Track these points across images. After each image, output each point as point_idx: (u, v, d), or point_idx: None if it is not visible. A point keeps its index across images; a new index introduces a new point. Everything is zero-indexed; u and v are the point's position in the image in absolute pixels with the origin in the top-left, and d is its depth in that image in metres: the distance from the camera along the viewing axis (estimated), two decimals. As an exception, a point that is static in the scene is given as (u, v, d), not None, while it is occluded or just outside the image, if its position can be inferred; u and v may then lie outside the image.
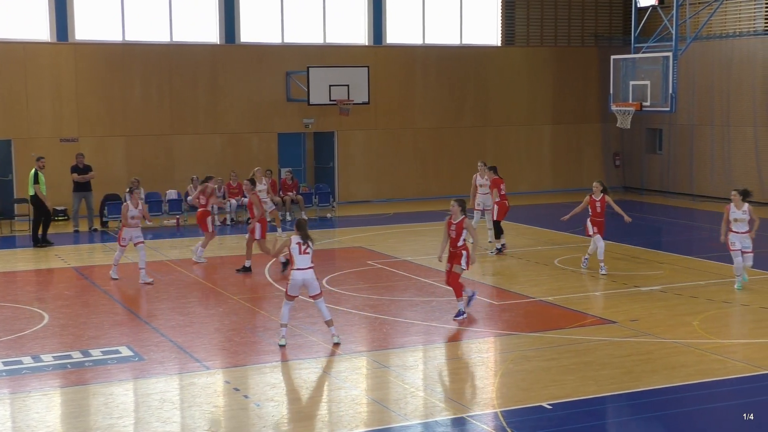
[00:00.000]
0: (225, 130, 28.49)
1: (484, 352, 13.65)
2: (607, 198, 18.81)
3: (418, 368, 12.78)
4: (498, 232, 20.68)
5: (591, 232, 18.64)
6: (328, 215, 27.23)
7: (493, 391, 11.51)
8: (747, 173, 29.16)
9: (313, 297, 13.58)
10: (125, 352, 13.25)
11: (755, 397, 11.58)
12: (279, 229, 23.11)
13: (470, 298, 15.22)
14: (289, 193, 26.64)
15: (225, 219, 25.84)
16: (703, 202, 29.93)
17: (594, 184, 19.07)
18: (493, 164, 21.85)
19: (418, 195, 30.84)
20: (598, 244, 18.49)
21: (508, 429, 10.21)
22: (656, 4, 25.95)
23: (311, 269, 13.41)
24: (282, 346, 13.41)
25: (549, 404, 10.95)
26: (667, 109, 25.18)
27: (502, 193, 20.77)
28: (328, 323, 13.66)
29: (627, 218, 18.90)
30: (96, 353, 13.18)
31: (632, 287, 17.27)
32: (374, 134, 30.43)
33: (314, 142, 30.49)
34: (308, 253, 13.39)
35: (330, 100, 27.50)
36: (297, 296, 13.59)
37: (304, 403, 11.24)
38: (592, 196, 18.76)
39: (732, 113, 29.64)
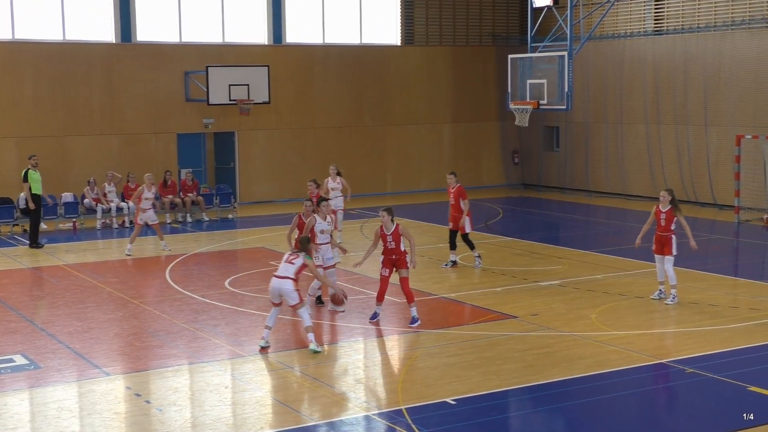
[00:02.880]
0: (122, 131, 27.97)
1: (388, 349, 13.71)
2: (677, 213, 15.85)
3: (323, 367, 12.75)
4: (470, 244, 19.37)
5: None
6: (230, 216, 26.98)
7: (398, 388, 11.57)
8: (639, 169, 29.96)
9: (293, 307, 13.31)
10: (20, 360, 12.87)
11: (651, 386, 11.91)
12: (162, 242, 21.53)
13: (375, 315, 14.77)
14: (190, 194, 26.30)
15: (123, 221, 25.32)
16: (599, 197, 30.63)
17: (661, 192, 16.21)
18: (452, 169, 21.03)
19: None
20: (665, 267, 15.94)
21: (413, 425, 10.27)
22: (551, 4, 26.41)
23: (288, 280, 13.11)
24: (262, 348, 13.22)
25: (453, 400, 11.06)
26: (563, 107, 25.65)
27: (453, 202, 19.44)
28: (306, 329, 13.23)
29: (693, 243, 16.10)
30: (-10, 362, 12.79)
31: (532, 282, 17.57)
32: (275, 134, 30.27)
33: (214, 142, 30.17)
34: (292, 263, 13.18)
35: (230, 100, 27.25)
36: (279, 303, 13.29)
37: (208, 407, 11.11)
38: (659, 206, 16.06)
39: (624, 111, 30.41)
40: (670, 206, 15.78)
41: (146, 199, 21.19)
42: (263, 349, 13.24)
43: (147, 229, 21.56)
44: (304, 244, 13.43)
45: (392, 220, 14.70)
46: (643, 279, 17.45)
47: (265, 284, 17.36)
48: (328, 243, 15.28)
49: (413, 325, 14.44)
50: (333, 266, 15.38)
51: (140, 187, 21.62)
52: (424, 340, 13.80)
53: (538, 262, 19.66)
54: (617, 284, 17.21)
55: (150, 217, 21.16)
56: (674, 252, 15.73)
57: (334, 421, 10.58)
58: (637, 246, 16.51)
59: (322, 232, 15.13)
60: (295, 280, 13.18)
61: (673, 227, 15.74)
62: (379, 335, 14.25)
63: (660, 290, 16.04)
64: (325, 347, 13.45)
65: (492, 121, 34.04)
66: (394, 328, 14.68)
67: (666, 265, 15.79)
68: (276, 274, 13.30)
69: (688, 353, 12.84)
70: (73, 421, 10.63)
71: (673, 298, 15.71)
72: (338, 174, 22.21)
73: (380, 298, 14.75)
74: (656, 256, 15.99)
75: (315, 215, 15.18)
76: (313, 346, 13.07)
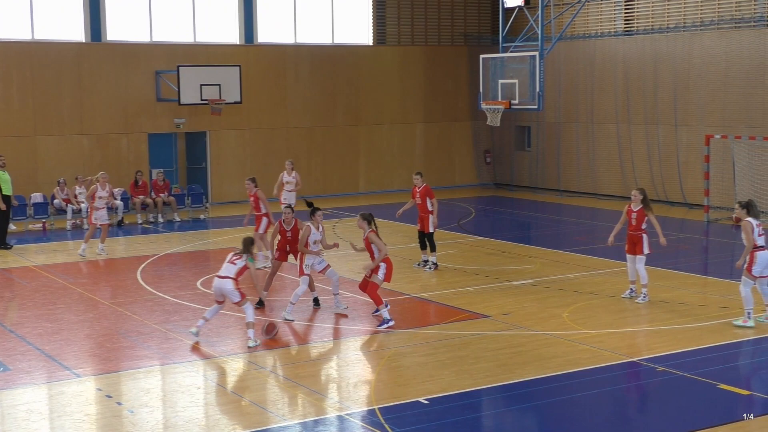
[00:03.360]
0: (92, 131, 27.76)
1: (360, 349, 13.71)
2: (648, 213, 15.86)
3: (296, 368, 12.73)
4: (432, 245, 19.14)
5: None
6: (202, 216, 26.85)
7: (371, 388, 11.57)
8: (610, 169, 30.14)
9: (236, 304, 13.61)
10: (-10, 361, 12.77)
11: (623, 384, 11.99)
12: (101, 245, 20.96)
13: (386, 321, 14.56)
14: (161, 195, 26.17)
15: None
16: (570, 197, 30.79)
17: (633, 192, 16.23)
18: (419, 170, 21.12)
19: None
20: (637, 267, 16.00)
21: (386, 425, 10.28)
22: (522, 4, 26.51)
23: (228, 279, 13.43)
24: (193, 333, 13.73)
25: (426, 399, 11.07)
26: (535, 107, 25.76)
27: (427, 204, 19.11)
28: (247, 324, 13.55)
29: (662, 240, 16.08)
30: (-41, 364, 12.66)
31: (504, 281, 17.63)
32: (247, 134, 30.18)
33: (186, 142, 30.03)
34: (234, 264, 13.49)
35: (201, 100, 27.13)
36: (222, 301, 13.65)
37: (180, 408, 11.06)
38: (630, 206, 16.05)
39: (596, 111, 30.59)
40: (641, 206, 15.87)
41: (100, 197, 20.75)
42: (196, 344, 13.48)
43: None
44: (247, 246, 13.63)
45: (369, 224, 14.84)
46: (614, 278, 17.56)
47: (242, 286, 17.30)
48: (318, 252, 15.29)
49: (382, 327, 14.42)
50: (327, 266, 15.44)
51: (93, 185, 21.08)
52: (397, 340, 13.81)
53: (510, 262, 19.73)
54: (589, 283, 17.31)
55: (102, 217, 20.77)
56: (645, 251, 15.81)
57: (307, 422, 10.57)
58: (609, 245, 16.59)
59: (315, 242, 15.15)
60: (236, 279, 13.49)
61: (644, 227, 15.83)
62: (353, 335, 14.24)
63: (631, 289, 16.14)
64: (294, 348, 13.43)
65: (464, 120, 34.12)
66: (366, 328, 14.68)
67: (637, 264, 15.89)
68: (218, 274, 13.60)
69: (659, 351, 12.93)
70: (43, 423, 10.55)
71: (644, 297, 15.81)
72: (293, 168, 23.08)
73: (375, 303, 14.80)
74: (628, 255, 16.10)
75: (310, 225, 15.15)
76: (251, 342, 13.38)
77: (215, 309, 13.83)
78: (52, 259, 20.46)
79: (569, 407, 11.10)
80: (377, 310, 14.83)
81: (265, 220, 18.94)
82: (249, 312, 13.53)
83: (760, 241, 14.01)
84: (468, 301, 16.09)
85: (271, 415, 10.70)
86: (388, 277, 14.89)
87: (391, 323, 14.48)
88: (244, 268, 13.52)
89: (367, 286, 14.86)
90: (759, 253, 13.99)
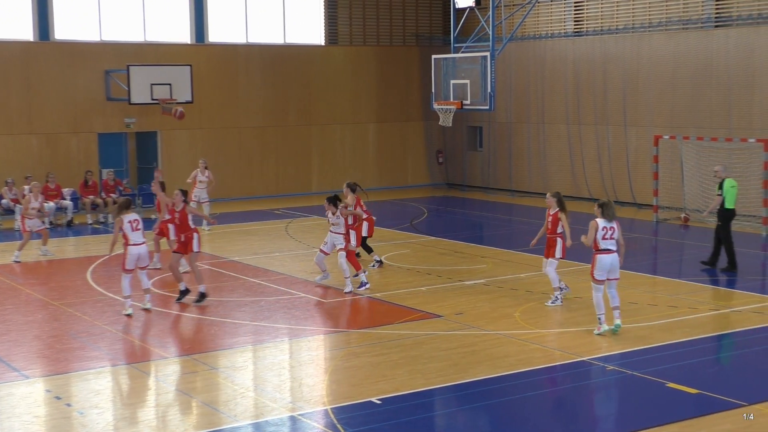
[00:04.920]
0: (41, 131, 27.41)
1: (313, 350, 13.70)
2: (561, 216, 15.69)
3: (248, 368, 12.69)
4: (368, 249, 19.41)
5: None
6: (153, 216, 26.60)
7: (323, 389, 11.57)
8: (561, 169, 30.41)
9: (141, 268, 15.24)
10: (-64, 364, 12.55)
11: (573, 383, 12.11)
12: (44, 247, 20.66)
13: (364, 284, 16.78)
14: (111, 195, 25.91)
15: (43, 221, 24.77)
16: (522, 197, 31.00)
17: (547, 196, 16.21)
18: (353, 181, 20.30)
19: (244, 194, 30.60)
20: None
21: (338, 425, 10.28)
22: (473, 5, 26.63)
23: (144, 244, 15.14)
24: (128, 315, 14.89)
25: (378, 399, 11.09)
26: (486, 107, 25.89)
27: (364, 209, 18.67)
28: (146, 291, 15.32)
29: (568, 242, 15.71)
30: None
31: (457, 281, 17.71)
32: (198, 134, 29.99)
33: (137, 142, 29.75)
34: (139, 229, 15.03)
35: (152, 100, 26.90)
36: (133, 269, 15.08)
37: (131, 409, 10.97)
38: (549, 210, 16.01)
39: (546, 111, 30.84)
40: (557, 209, 15.71)
41: (32, 208, 20.47)
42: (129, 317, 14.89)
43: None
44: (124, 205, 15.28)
45: (352, 192, 17.77)
46: (566, 278, 17.68)
47: (190, 284, 17.20)
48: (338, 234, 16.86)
49: (361, 289, 16.55)
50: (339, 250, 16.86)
51: (26, 197, 20.73)
52: (350, 339, 13.82)
53: (462, 261, 19.82)
54: (540, 283, 17.43)
55: (35, 224, 20.51)
56: (557, 255, 15.60)
57: (260, 422, 10.54)
58: (531, 246, 16.73)
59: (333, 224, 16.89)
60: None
61: (559, 231, 15.60)
62: (305, 335, 14.23)
63: (555, 295, 15.81)
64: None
65: (416, 120, 34.21)
66: (318, 328, 14.68)
67: (548, 267, 15.76)
68: (132, 242, 15.00)
69: (609, 351, 13.08)
70: (-8, 426, 10.41)
71: (554, 300, 15.69)
72: (206, 168, 24.38)
73: (357, 267, 16.89)
74: (543, 258, 16.07)
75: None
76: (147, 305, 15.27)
77: (128, 282, 15.12)
78: (0, 260, 20.15)
79: (521, 406, 11.19)
80: (356, 275, 16.83)
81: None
82: (145, 279, 15.32)
83: (605, 244, 13.51)
84: (421, 301, 16.14)
85: (223, 416, 10.66)
86: (358, 242, 17.68)
87: (367, 286, 16.64)
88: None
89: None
90: (600, 256, 13.56)
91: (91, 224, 25.24)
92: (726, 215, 18.68)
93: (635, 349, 13.17)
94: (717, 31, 26.06)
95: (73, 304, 16.10)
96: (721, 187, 18.74)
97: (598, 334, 13.73)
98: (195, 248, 15.96)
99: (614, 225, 13.57)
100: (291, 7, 31.57)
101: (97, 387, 11.77)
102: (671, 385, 11.58)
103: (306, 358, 13.33)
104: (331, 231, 16.88)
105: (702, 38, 26.31)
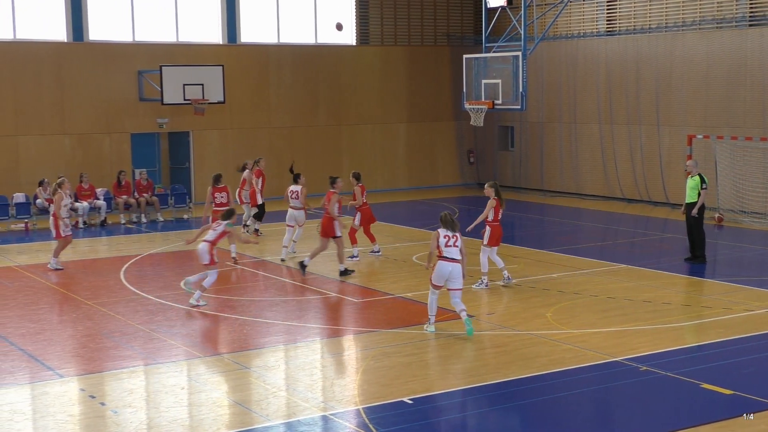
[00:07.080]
0: (74, 131, 27.64)
1: (345, 349, 13.70)
2: (491, 204, 17.13)
3: (280, 368, 12.72)
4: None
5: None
6: (185, 216, 26.78)
7: (355, 388, 11.57)
8: (593, 169, 30.24)
9: (205, 266, 15.93)
10: (-28, 362, 12.69)
11: (605, 383, 12.03)
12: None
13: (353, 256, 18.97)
14: (144, 195, 26.09)
15: (77, 222, 25.03)
16: (554, 197, 30.86)
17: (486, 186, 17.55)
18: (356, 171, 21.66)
19: (275, 194, 30.66)
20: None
21: (370, 425, 10.28)
22: (505, 5, 26.54)
23: (206, 243, 16.05)
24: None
25: (410, 399, 11.08)
26: (518, 107, 25.80)
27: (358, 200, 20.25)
28: (201, 287, 15.82)
29: (469, 228, 17.31)
30: (-60, 365, 12.58)
31: (489, 281, 17.61)
32: (229, 134, 30.12)
33: (169, 142, 29.93)
34: (215, 230, 16.12)
35: (184, 100, 27.06)
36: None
37: (164, 408, 11.03)
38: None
39: (578, 111, 30.68)
40: (496, 198, 16.97)
41: (64, 206, 19.28)
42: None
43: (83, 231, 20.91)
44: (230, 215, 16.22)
45: (357, 181, 20.15)
46: (598, 278, 17.63)
47: (222, 284, 17.29)
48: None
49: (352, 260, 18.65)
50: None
51: (58, 194, 19.17)
52: (381, 339, 13.81)
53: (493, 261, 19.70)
54: (572, 283, 17.36)
55: (69, 228, 19.37)
56: (485, 242, 16.99)
57: (291, 422, 10.56)
58: (467, 231, 17.02)
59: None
60: (212, 243, 15.83)
61: (490, 218, 16.98)
62: (336, 335, 14.24)
63: (504, 276, 17.06)
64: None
65: (447, 120, 34.16)
66: (350, 327, 14.68)
67: (481, 253, 17.06)
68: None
69: (642, 351, 12.98)
70: (27, 424, 10.50)
71: (480, 283, 16.86)
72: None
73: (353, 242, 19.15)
74: None
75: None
76: (193, 300, 15.66)
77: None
78: (35, 260, 20.36)
79: (552, 407, 11.13)
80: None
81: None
82: (211, 279, 15.65)
83: (447, 252, 13.70)
84: (452, 301, 16.07)
85: (255, 416, 10.69)
86: (362, 222, 20.12)
87: (356, 258, 19.22)
88: (223, 233, 15.97)
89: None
90: (440, 263, 13.80)
91: (124, 224, 25.43)
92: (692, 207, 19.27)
93: (669, 349, 13.07)
94: (751, 30, 25.80)
95: (107, 303, 16.22)
96: (703, 181, 19.27)
97: (426, 332, 14.05)
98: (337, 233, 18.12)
99: (457, 234, 14.01)
100: (322, 7, 31.63)
101: (131, 386, 11.85)
102: (705, 385, 11.49)
103: (337, 357, 13.34)
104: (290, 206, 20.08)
105: (736, 37, 26.06)
